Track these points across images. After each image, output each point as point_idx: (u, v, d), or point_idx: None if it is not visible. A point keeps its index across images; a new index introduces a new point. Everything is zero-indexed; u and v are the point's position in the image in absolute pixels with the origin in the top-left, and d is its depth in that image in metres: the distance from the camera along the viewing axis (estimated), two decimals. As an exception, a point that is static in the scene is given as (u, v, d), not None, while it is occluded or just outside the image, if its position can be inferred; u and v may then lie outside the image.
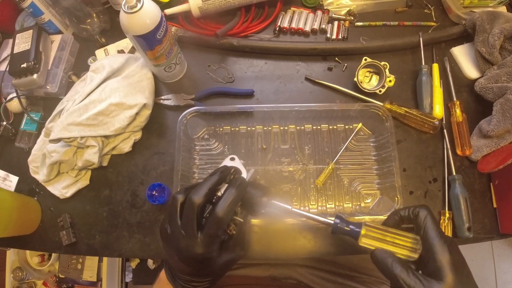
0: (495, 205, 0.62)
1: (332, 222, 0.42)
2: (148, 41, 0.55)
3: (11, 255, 1.04)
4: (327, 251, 0.57)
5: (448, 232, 0.59)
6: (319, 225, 0.57)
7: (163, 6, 0.69)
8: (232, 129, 0.62)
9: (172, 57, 0.61)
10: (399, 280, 0.35)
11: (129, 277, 1.02)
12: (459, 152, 0.62)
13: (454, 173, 0.61)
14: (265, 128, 0.62)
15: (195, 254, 0.37)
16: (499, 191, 0.62)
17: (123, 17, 0.52)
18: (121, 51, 0.71)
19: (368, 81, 0.65)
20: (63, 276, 1.03)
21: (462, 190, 0.59)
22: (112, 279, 0.97)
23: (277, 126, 0.62)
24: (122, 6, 0.51)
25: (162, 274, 0.46)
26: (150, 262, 0.96)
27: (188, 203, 0.37)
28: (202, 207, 0.38)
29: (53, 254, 1.02)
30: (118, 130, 0.61)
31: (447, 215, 0.59)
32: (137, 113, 0.61)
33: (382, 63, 0.62)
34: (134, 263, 0.99)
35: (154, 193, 0.59)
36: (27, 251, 1.04)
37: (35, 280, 1.07)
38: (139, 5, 0.51)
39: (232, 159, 0.49)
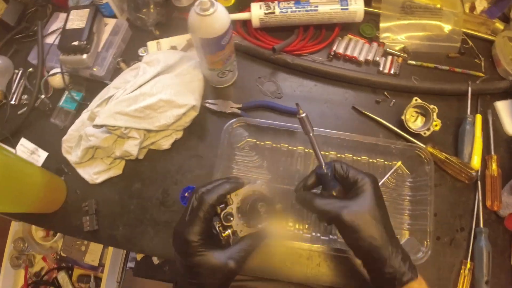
0: (512, 263, 0.63)
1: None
2: (212, 46, 0.55)
3: (16, 224, 1.03)
4: (348, 283, 0.58)
5: (466, 283, 0.59)
6: (340, 256, 0.58)
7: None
8: (274, 145, 0.62)
9: (228, 64, 0.61)
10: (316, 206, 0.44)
11: (128, 266, 1.02)
12: (488, 205, 0.63)
13: (481, 226, 0.61)
14: (306, 150, 0.62)
15: (180, 232, 0.40)
16: (519, 251, 0.62)
17: (193, 17, 0.52)
18: (173, 48, 0.71)
19: (413, 120, 0.66)
20: (64, 255, 1.02)
21: (487, 244, 0.60)
22: (114, 267, 0.96)
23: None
24: (195, 6, 0.51)
25: None
26: (154, 258, 0.96)
27: (193, 192, 0.43)
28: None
29: (58, 230, 1.02)
30: (163, 126, 0.61)
31: (468, 265, 0.60)
32: (184, 113, 0.62)
33: (431, 106, 0.63)
34: (139, 255, 0.98)
35: (187, 195, 0.59)
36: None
37: (35, 253, 1.06)
38: (212, 9, 0.51)
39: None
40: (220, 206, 0.43)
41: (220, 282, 0.40)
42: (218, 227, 0.43)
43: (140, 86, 0.61)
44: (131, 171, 0.64)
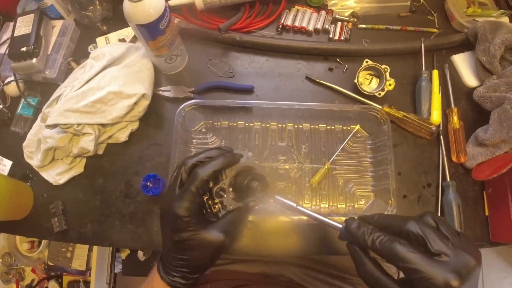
0: (487, 213, 0.62)
1: (341, 226, 0.38)
2: (150, 31, 0.55)
3: (1, 241, 1.03)
4: (320, 250, 0.58)
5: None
6: (313, 224, 0.57)
7: (167, -3, 0.69)
8: (230, 124, 0.62)
9: (174, 49, 0.61)
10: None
11: (118, 268, 1.02)
12: (454, 158, 0.63)
13: (448, 180, 0.61)
14: (263, 125, 0.62)
15: (169, 207, 0.38)
16: (491, 200, 0.62)
17: (126, 6, 0.52)
18: (122, 40, 0.70)
19: (368, 83, 0.65)
20: (52, 264, 1.02)
21: (456, 197, 0.60)
22: (101, 269, 0.96)
23: (275, 124, 0.62)
24: (127, -6, 0.51)
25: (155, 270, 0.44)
26: (140, 254, 0.96)
27: (181, 164, 0.41)
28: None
29: (43, 241, 1.02)
30: (116, 119, 0.60)
31: (439, 220, 0.60)
32: (135, 103, 0.61)
33: (383, 66, 0.62)
34: (124, 254, 0.98)
35: (148, 184, 0.59)
36: (17, 237, 1.04)
37: (23, 266, 1.06)
38: None
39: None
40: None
41: (211, 256, 0.39)
42: (207, 200, 0.42)
43: (88, 81, 0.61)
44: (92, 167, 0.64)
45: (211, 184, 0.41)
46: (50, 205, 0.62)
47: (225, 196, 0.42)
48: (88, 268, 0.99)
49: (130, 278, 1.01)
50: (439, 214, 0.60)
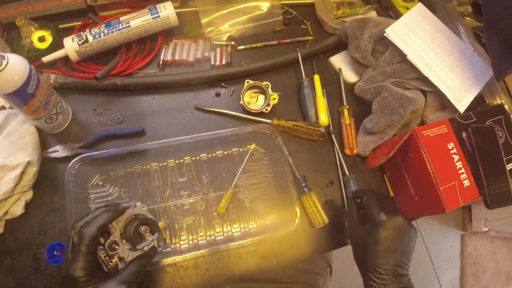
0: (392, 194, 0.68)
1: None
2: (20, 97, 0.53)
3: None
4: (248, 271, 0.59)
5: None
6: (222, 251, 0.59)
7: (42, 53, 0.66)
8: (127, 170, 0.61)
9: (51, 108, 0.59)
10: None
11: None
12: (347, 152, 0.67)
13: (347, 173, 0.66)
14: (160, 164, 0.62)
15: (64, 271, 0.40)
16: (392, 181, 0.68)
17: (-13, 78, 0.49)
18: (2, 108, 0.67)
19: (255, 101, 0.68)
20: None
21: (357, 187, 0.64)
22: None
23: (173, 160, 0.62)
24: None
25: None
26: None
27: (70, 229, 0.43)
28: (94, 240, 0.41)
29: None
30: (6, 194, 0.57)
31: (347, 214, 0.64)
32: (22, 173, 0.58)
33: (264, 83, 0.66)
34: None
35: (56, 253, 0.57)
36: None
37: None
38: (4, 63, 0.49)
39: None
40: (103, 236, 0.43)
41: None
42: (104, 257, 0.43)
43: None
44: (-5, 249, 0.60)
45: (102, 241, 0.43)
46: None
47: (118, 248, 0.43)
48: None
49: None
50: (346, 208, 0.64)
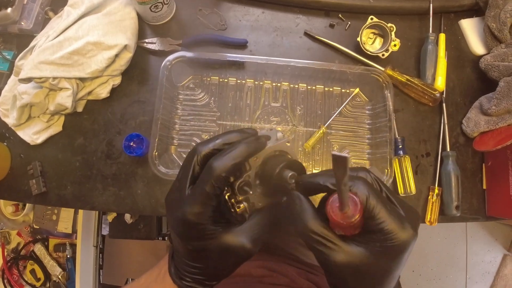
0: (484, 187, 0.61)
1: None
2: (132, -28, 0.49)
3: (-16, 204, 1.00)
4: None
5: (436, 209, 0.58)
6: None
7: None
8: (221, 80, 0.57)
9: (160, -5, 0.55)
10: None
11: (106, 230, 1.00)
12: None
13: (448, 149, 0.58)
14: (256, 83, 0.57)
15: (180, 211, 0.30)
16: (490, 173, 0.61)
17: None
18: (104, -13, 0.64)
19: (371, 43, 0.60)
20: (37, 227, 1.00)
21: (455, 168, 0.58)
22: (87, 232, 0.94)
23: (270, 82, 0.57)
24: None
25: (164, 263, 0.37)
26: (127, 217, 0.94)
27: (191, 152, 0.32)
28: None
29: (27, 203, 0.99)
30: (95, 72, 0.55)
31: (436, 191, 0.58)
32: (117, 55, 0.56)
33: (389, 24, 0.57)
34: (110, 217, 0.96)
35: (131, 144, 0.55)
36: (1, 200, 1.00)
37: (9, 230, 1.04)
38: None
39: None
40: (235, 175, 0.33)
41: (233, 265, 0.32)
42: (231, 200, 0.32)
43: (64, 30, 0.55)
44: (71, 126, 0.59)
45: (231, 179, 0.32)
46: (28, 166, 0.58)
47: (251, 192, 0.33)
48: (74, 231, 0.97)
49: (118, 241, 1.00)
50: (436, 185, 0.58)
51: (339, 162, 0.22)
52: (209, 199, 0.29)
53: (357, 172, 0.29)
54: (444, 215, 0.58)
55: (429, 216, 0.58)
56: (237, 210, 0.32)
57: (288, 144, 0.35)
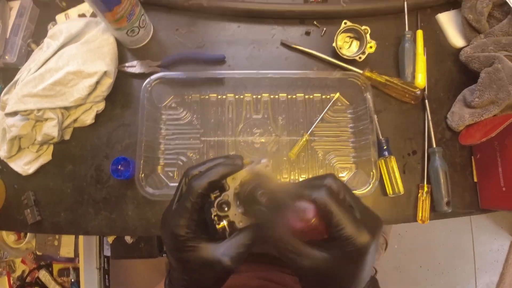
0: (475, 180, 0.61)
1: None
2: (106, 1, 0.50)
3: (-14, 234, 1.01)
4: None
5: (426, 206, 0.58)
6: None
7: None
8: (202, 97, 0.58)
9: (135, 20, 0.56)
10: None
11: (109, 251, 1.01)
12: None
13: (434, 146, 0.58)
14: (236, 97, 0.58)
15: (166, 224, 0.33)
16: (480, 166, 0.60)
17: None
18: (82, 15, 0.65)
19: (348, 47, 0.61)
20: (40, 253, 1.01)
21: (442, 164, 0.58)
22: (89, 254, 0.95)
23: (250, 95, 0.58)
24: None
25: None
26: (127, 237, 0.95)
27: (183, 175, 0.36)
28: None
29: (28, 231, 1.00)
30: (78, 100, 0.56)
31: (425, 188, 0.58)
32: (97, 82, 0.57)
33: (363, 27, 0.58)
34: (110, 238, 0.97)
35: (119, 167, 0.56)
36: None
37: (13, 258, 1.05)
38: None
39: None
40: (214, 192, 0.35)
41: (214, 280, 0.34)
42: (214, 216, 0.34)
43: (45, 62, 0.56)
44: (60, 154, 0.60)
45: (212, 197, 0.35)
46: (22, 196, 0.60)
47: (229, 210, 0.35)
48: (77, 255, 0.98)
49: (121, 261, 1.00)
50: (425, 182, 0.58)
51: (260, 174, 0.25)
52: (189, 212, 0.32)
53: (323, 179, 0.31)
54: (435, 212, 0.58)
55: (420, 214, 0.58)
56: (218, 227, 0.34)
57: (268, 168, 0.36)
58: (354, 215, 0.29)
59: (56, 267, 1.02)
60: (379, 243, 0.28)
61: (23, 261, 1.05)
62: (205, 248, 0.33)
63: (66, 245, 0.98)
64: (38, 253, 1.01)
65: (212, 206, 0.35)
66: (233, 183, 0.35)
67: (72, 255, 0.98)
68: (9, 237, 1.00)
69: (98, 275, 0.98)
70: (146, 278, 1.00)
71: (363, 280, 0.30)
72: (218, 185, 0.35)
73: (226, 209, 0.34)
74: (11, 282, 1.03)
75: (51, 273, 1.01)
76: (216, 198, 0.34)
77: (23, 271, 1.05)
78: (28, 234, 0.99)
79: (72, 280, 0.99)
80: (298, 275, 0.31)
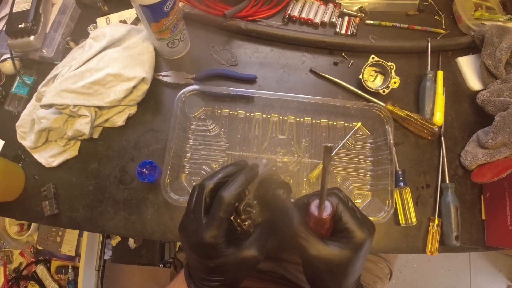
0: (483, 217, 0.62)
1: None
2: (154, 13, 0.53)
3: (-11, 222, 1.01)
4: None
5: (436, 239, 0.59)
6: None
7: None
8: (231, 112, 0.60)
9: (177, 33, 0.59)
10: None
11: (108, 255, 1.01)
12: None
13: (447, 181, 0.61)
14: (264, 116, 0.61)
15: (199, 237, 0.36)
16: (489, 204, 0.62)
17: (130, -16, 0.50)
18: (123, 22, 0.68)
19: (372, 80, 0.64)
20: (41, 248, 1.00)
21: (454, 199, 0.60)
22: (90, 255, 0.94)
23: (277, 115, 0.61)
24: (131, -27, 0.49)
25: (181, 274, 0.43)
26: (131, 242, 0.95)
27: (200, 187, 0.39)
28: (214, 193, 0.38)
29: (32, 224, 1.00)
30: (113, 102, 0.59)
31: (436, 221, 0.59)
32: (134, 87, 0.59)
33: (389, 63, 0.61)
34: (114, 241, 0.97)
35: (144, 170, 0.58)
36: (6, 219, 1.01)
37: (12, 249, 1.04)
38: None
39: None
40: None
41: (246, 272, 0.39)
42: (236, 220, 0.39)
43: (86, 61, 0.59)
44: (86, 151, 0.62)
45: (236, 204, 0.39)
46: (42, 187, 0.60)
47: (254, 211, 0.40)
48: (78, 254, 0.97)
49: (119, 265, 1.00)
50: (436, 215, 0.60)
51: (327, 149, 0.30)
52: (223, 223, 0.36)
53: (332, 189, 0.39)
54: (444, 245, 0.59)
55: (429, 246, 0.59)
56: (244, 227, 0.39)
57: (274, 168, 0.45)
58: (357, 215, 0.37)
59: (54, 263, 1.01)
60: (370, 247, 0.37)
61: (21, 254, 1.05)
62: (239, 249, 0.37)
63: (68, 242, 0.98)
64: (38, 247, 1.01)
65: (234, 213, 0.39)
66: (252, 187, 0.41)
67: (73, 253, 0.97)
68: (12, 228, 1.00)
69: (96, 277, 0.98)
70: (139, 286, 1.00)
71: (357, 269, 0.37)
72: (244, 194, 0.40)
73: (253, 211, 0.40)
74: (7, 273, 1.02)
75: (48, 269, 1.01)
76: (239, 203, 0.39)
77: (20, 263, 1.04)
78: (32, 227, 0.99)
79: (70, 278, 0.98)
80: (305, 262, 0.38)
